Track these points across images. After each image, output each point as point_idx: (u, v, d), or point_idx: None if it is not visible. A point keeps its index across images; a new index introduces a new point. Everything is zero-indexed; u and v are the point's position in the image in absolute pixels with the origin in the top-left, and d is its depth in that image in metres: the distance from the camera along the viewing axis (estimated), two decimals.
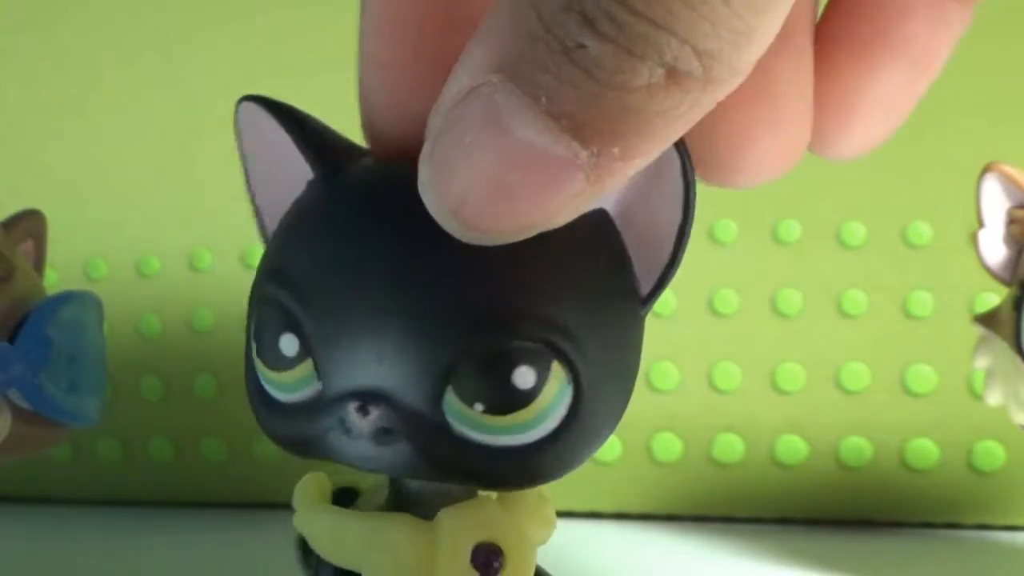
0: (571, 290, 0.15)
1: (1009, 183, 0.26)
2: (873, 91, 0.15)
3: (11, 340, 0.22)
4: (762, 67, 0.13)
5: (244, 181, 0.17)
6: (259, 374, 0.16)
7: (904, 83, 0.15)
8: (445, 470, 0.15)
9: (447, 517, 0.16)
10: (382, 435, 0.14)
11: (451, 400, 0.14)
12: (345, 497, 0.17)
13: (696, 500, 0.35)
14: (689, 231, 0.15)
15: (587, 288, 0.15)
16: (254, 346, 0.15)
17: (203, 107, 0.36)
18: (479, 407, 0.14)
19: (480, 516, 0.16)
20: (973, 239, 0.27)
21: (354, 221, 0.15)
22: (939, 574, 0.29)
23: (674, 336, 0.35)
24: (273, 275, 0.15)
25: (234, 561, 0.30)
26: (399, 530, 0.16)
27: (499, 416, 0.14)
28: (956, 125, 0.33)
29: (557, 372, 0.14)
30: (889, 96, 0.15)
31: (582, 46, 0.11)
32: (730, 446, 0.34)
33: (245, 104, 0.16)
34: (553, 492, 0.39)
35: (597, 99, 0.11)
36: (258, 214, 0.17)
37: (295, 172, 0.16)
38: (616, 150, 0.12)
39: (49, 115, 0.37)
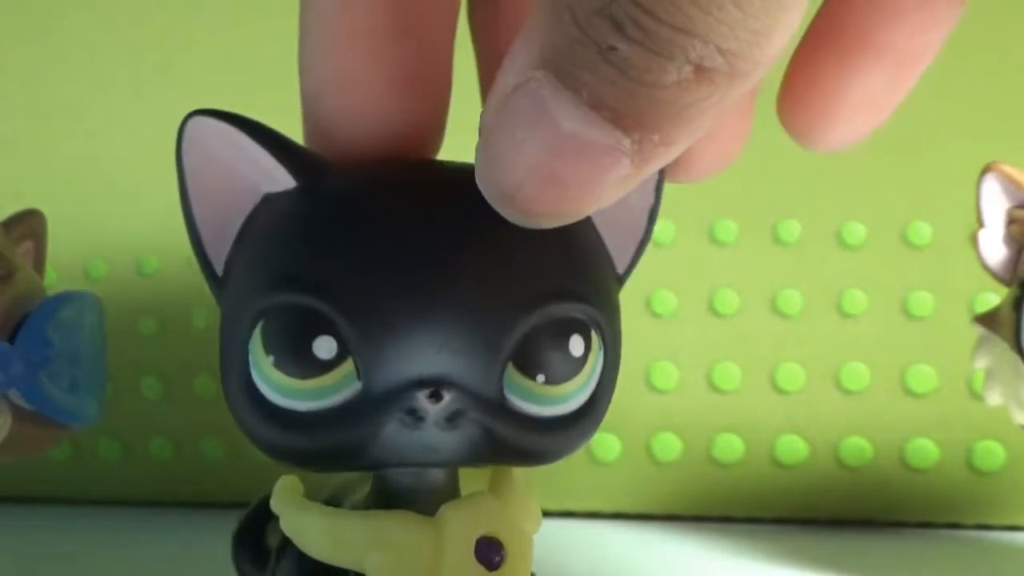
0: (590, 268, 0.16)
1: (1009, 183, 0.26)
2: (857, 91, 0.16)
3: (11, 340, 0.22)
4: None
5: (181, 199, 0.16)
6: (272, 389, 0.15)
7: (888, 84, 0.16)
8: (504, 448, 0.15)
9: (450, 512, 0.16)
10: (456, 418, 0.15)
11: (512, 375, 0.15)
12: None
13: (695, 500, 0.35)
14: (657, 212, 0.16)
15: (592, 265, 0.16)
16: (269, 358, 0.15)
17: (204, 106, 0.36)
18: (541, 378, 0.15)
19: (481, 510, 0.16)
20: (973, 239, 0.27)
21: (369, 220, 0.15)
22: (939, 574, 0.29)
23: (674, 336, 0.35)
24: (282, 282, 0.15)
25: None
26: (401, 527, 0.16)
27: (557, 386, 0.15)
28: (956, 125, 0.33)
29: (595, 340, 0.16)
30: (873, 96, 0.16)
31: (613, 48, 0.12)
32: (730, 446, 0.34)
33: (195, 119, 0.16)
34: (553, 492, 0.39)
35: (633, 94, 0.12)
36: (195, 229, 0.17)
37: (244, 187, 0.16)
38: (656, 137, 0.12)
39: (49, 115, 0.37)
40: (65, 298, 0.23)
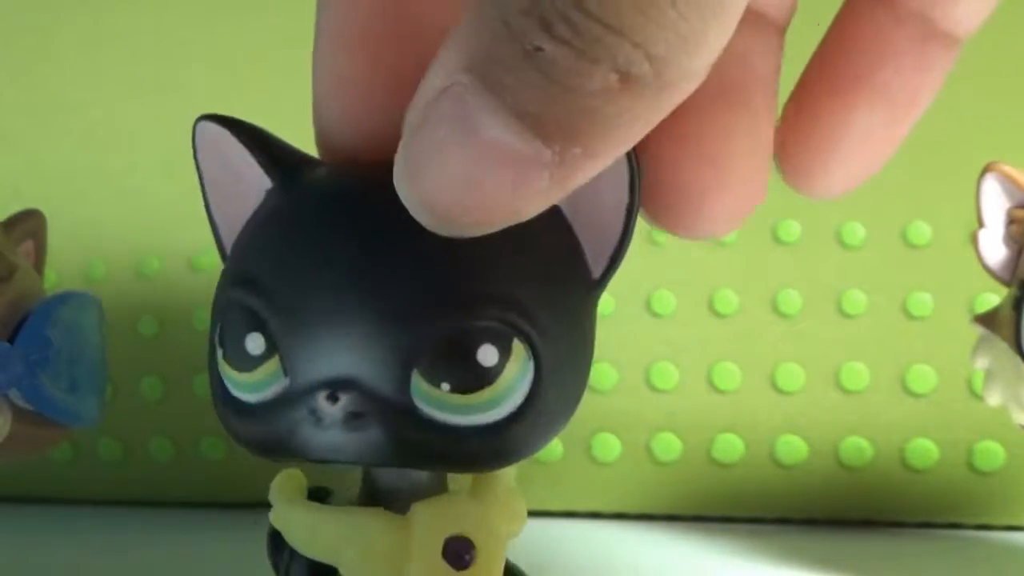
0: (525, 273, 0.15)
1: (1009, 183, 0.26)
2: (853, 134, 0.16)
3: (11, 340, 0.22)
4: (718, 132, 0.14)
5: (204, 200, 0.17)
6: (226, 379, 0.16)
7: (883, 126, 0.16)
8: (414, 453, 0.15)
9: (420, 511, 0.16)
10: (352, 419, 0.15)
11: (418, 382, 0.15)
12: (318, 496, 0.18)
13: (696, 500, 0.35)
14: (637, 212, 0.16)
15: (540, 271, 0.16)
16: (220, 351, 0.16)
17: (203, 107, 0.36)
18: (445, 387, 0.15)
19: (452, 510, 0.16)
20: (973, 239, 0.27)
21: (311, 220, 0.15)
22: (939, 574, 0.29)
23: (674, 336, 0.35)
24: (235, 280, 0.16)
25: (234, 561, 0.30)
26: (373, 524, 0.16)
27: (465, 395, 0.15)
28: (956, 125, 0.33)
29: (518, 350, 0.15)
30: (869, 139, 0.16)
31: (540, 49, 0.11)
32: (730, 446, 0.34)
33: (202, 124, 0.17)
34: (553, 492, 0.39)
35: (554, 101, 0.12)
36: (216, 230, 0.17)
37: (250, 187, 0.17)
38: (578, 150, 0.12)
39: (49, 115, 0.37)
40: (65, 298, 0.23)
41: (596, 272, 0.16)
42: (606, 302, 0.35)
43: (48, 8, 0.37)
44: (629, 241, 0.16)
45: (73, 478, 0.37)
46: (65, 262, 0.36)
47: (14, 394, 0.22)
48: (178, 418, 0.37)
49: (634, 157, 0.15)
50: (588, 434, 0.35)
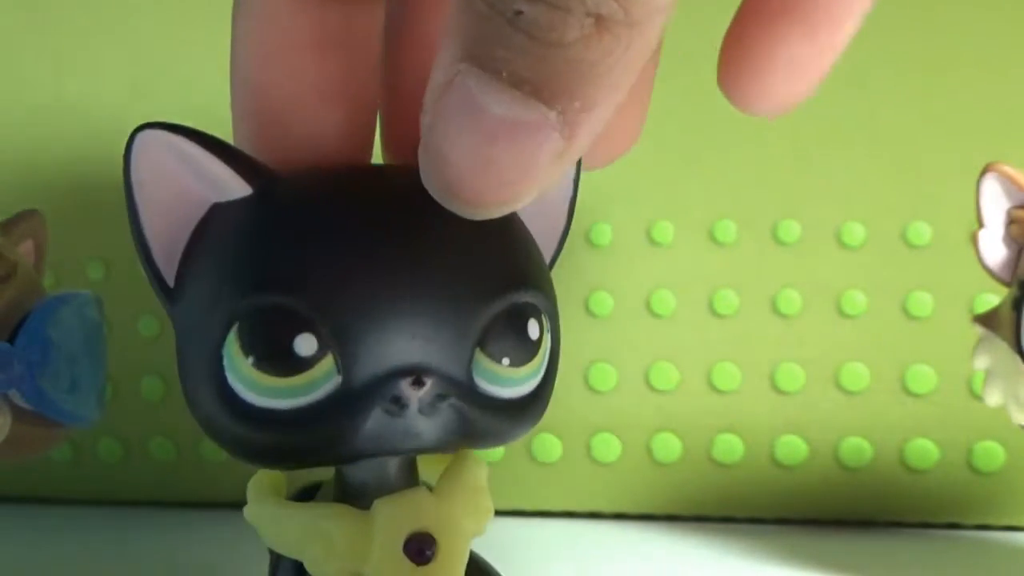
0: (534, 257, 0.17)
1: (1009, 183, 0.26)
2: (780, 59, 0.16)
3: (11, 340, 0.22)
4: None
5: (130, 214, 0.17)
6: (251, 390, 0.16)
7: (810, 50, 0.16)
8: (473, 430, 0.16)
9: (382, 507, 0.16)
10: (438, 402, 0.15)
11: (480, 360, 0.16)
12: (312, 492, 0.18)
13: (696, 500, 0.35)
14: (575, 202, 0.17)
15: (538, 256, 0.17)
16: (249, 360, 0.15)
17: (203, 107, 0.36)
18: (505, 361, 0.16)
19: (414, 506, 0.16)
20: (973, 239, 0.27)
21: (345, 220, 0.16)
22: (939, 574, 0.29)
23: (674, 336, 0.35)
24: (260, 286, 0.15)
25: (233, 561, 0.30)
26: (335, 520, 0.16)
27: (519, 367, 0.16)
28: (956, 125, 0.33)
29: (545, 324, 0.17)
30: (795, 64, 0.16)
31: (519, 12, 0.12)
32: (730, 446, 0.34)
33: (144, 133, 0.16)
34: (553, 492, 0.39)
35: (544, 60, 0.12)
36: (146, 246, 0.17)
37: (188, 199, 0.16)
38: (577, 104, 0.13)
39: (49, 115, 0.37)
40: (65, 298, 0.23)
41: (546, 258, 0.18)
42: (605, 302, 0.35)
43: (48, 7, 0.37)
44: (569, 230, 0.18)
45: (73, 478, 0.37)
46: (65, 262, 0.36)
47: (14, 394, 0.22)
48: (178, 418, 0.37)
49: None
50: (588, 434, 0.35)
